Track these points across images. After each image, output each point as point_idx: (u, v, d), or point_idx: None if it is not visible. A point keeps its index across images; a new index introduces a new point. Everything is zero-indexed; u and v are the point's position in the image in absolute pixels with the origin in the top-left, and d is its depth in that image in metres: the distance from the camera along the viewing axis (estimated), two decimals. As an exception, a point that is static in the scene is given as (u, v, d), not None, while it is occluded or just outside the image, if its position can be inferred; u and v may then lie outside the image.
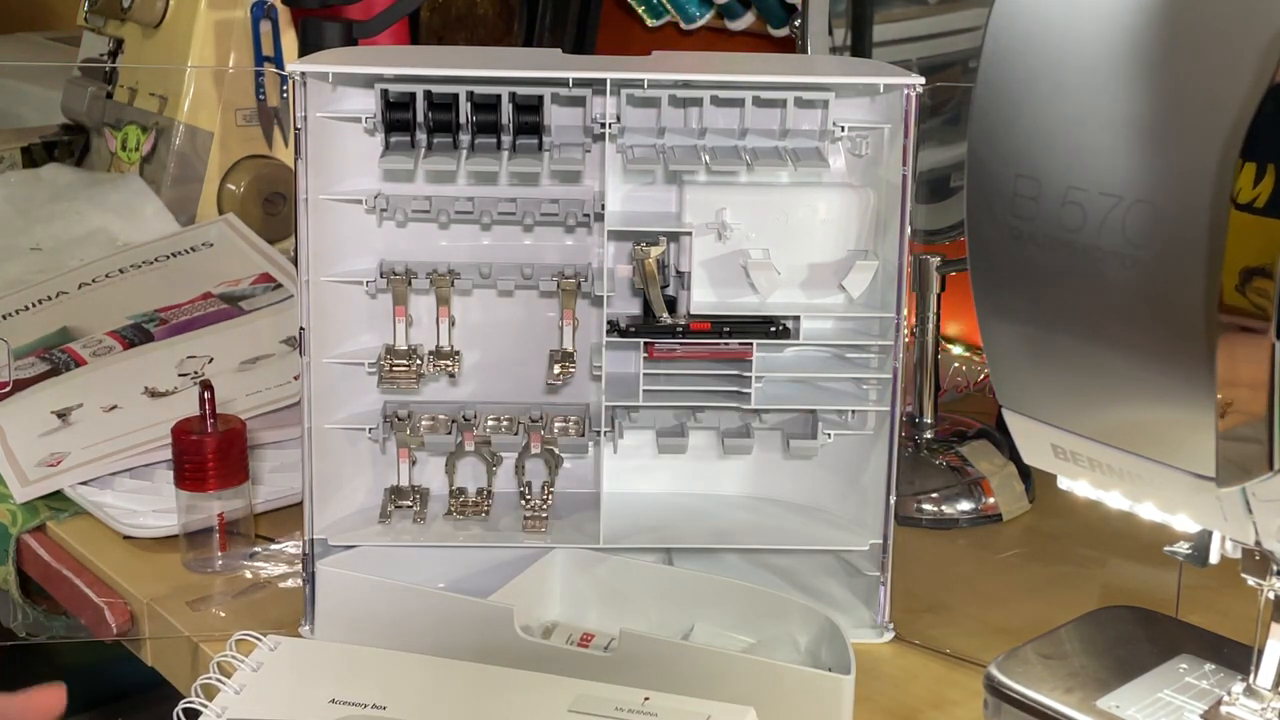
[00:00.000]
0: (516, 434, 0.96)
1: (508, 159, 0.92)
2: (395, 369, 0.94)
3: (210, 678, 0.84)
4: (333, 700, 0.82)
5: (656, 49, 1.00)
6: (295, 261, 0.92)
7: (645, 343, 0.93)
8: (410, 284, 0.94)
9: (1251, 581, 0.73)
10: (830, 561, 0.98)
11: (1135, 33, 0.61)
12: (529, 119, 0.91)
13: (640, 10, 1.60)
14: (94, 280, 1.41)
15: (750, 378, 0.93)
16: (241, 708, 0.83)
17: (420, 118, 0.91)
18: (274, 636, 0.87)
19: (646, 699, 0.80)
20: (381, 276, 0.93)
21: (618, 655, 0.84)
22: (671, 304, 0.94)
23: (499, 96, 0.90)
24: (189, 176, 1.58)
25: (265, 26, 1.57)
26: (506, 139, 0.92)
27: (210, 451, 1.03)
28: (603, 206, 0.92)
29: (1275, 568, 0.72)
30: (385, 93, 0.90)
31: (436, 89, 0.90)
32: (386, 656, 0.86)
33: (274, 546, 1.07)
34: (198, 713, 0.83)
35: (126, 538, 1.10)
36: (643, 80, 0.89)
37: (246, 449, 1.06)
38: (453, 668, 0.84)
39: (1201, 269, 0.58)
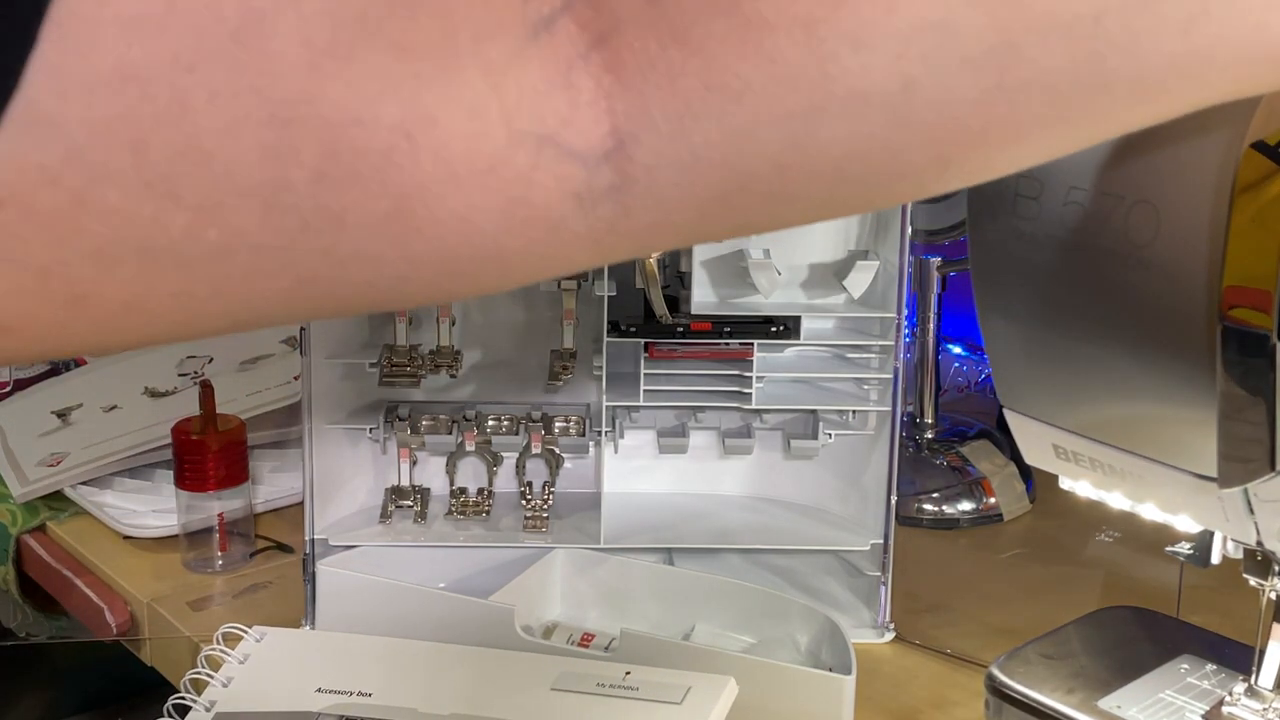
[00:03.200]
0: (517, 434, 0.96)
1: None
2: (395, 369, 0.94)
3: (199, 672, 0.84)
4: (319, 689, 0.82)
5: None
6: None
7: (645, 343, 0.93)
8: (410, 284, 0.94)
9: (1253, 582, 0.73)
10: (831, 561, 0.98)
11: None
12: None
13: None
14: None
15: (751, 378, 0.93)
16: (230, 701, 0.82)
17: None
18: (259, 628, 0.87)
19: (628, 673, 0.79)
20: (382, 276, 0.93)
21: (618, 655, 0.84)
22: (672, 304, 0.94)
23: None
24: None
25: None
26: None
27: (210, 451, 1.03)
28: (603, 206, 0.92)
29: (1277, 568, 0.72)
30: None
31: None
32: (371, 643, 0.86)
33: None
34: (188, 708, 0.83)
35: (126, 538, 1.09)
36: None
37: (246, 449, 1.06)
38: (436, 651, 0.84)
39: (1203, 269, 0.58)
